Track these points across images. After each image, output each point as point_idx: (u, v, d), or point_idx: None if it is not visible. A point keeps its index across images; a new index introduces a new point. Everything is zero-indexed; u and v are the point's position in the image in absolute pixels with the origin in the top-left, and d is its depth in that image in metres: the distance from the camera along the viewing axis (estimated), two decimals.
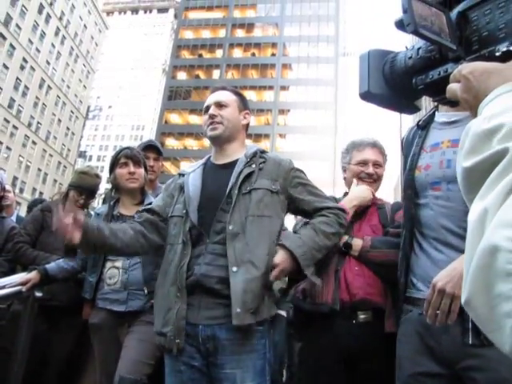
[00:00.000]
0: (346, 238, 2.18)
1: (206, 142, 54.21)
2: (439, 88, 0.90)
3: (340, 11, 56.72)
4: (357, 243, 2.16)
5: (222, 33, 56.75)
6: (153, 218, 2.09)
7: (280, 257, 1.85)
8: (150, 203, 2.82)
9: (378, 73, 1.06)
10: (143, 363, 2.40)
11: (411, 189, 1.76)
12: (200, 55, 56.23)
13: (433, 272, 1.52)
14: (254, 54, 54.97)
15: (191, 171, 2.15)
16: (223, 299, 1.81)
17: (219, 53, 55.56)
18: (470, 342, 1.41)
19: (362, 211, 2.33)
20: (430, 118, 1.80)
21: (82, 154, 68.64)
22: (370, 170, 2.38)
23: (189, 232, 1.95)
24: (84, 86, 65.82)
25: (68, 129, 61.96)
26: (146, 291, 2.59)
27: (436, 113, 1.79)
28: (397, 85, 1.04)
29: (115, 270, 2.68)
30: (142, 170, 2.88)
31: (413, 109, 1.10)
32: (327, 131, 48.18)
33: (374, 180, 2.39)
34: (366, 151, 2.40)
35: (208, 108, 2.15)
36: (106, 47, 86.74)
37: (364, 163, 2.39)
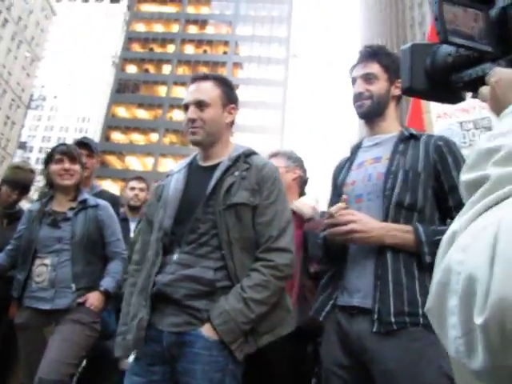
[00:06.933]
0: None
1: (153, 138, 53.46)
2: (477, 87, 0.89)
3: (293, 14, 57.40)
4: None
5: (174, 28, 56.02)
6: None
7: (208, 333, 1.71)
8: (84, 200, 2.81)
9: (420, 67, 1.05)
10: (65, 364, 2.40)
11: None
12: (151, 49, 55.25)
13: (357, 275, 1.75)
14: (205, 51, 54.63)
15: (176, 171, 2.03)
16: (189, 309, 1.76)
17: (171, 48, 54.83)
18: (375, 329, 1.61)
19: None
20: (359, 145, 2.05)
21: (22, 145, 65.59)
22: None
23: (161, 240, 1.86)
24: (27, 74, 62.99)
25: (8, 117, 58.99)
26: (74, 288, 2.58)
27: (364, 140, 2.04)
28: (438, 79, 1.04)
29: (44, 268, 2.63)
30: (77, 167, 2.84)
31: (456, 99, 1.10)
32: (275, 131, 48.69)
33: None
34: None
35: (187, 106, 1.95)
36: (54, 35, 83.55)
37: None
